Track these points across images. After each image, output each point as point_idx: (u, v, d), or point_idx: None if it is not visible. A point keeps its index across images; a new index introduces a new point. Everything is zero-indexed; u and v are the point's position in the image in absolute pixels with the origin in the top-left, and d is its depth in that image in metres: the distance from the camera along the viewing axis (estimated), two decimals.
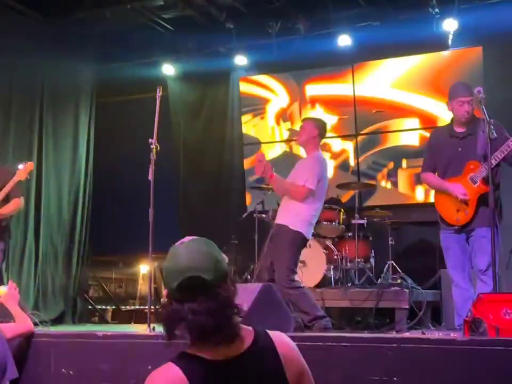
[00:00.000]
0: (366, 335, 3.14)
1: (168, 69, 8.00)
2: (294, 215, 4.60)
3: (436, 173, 4.24)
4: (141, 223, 7.67)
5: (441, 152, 4.17)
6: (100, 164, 7.88)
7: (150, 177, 4.12)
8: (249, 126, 7.91)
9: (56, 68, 7.19)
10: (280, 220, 4.69)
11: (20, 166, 4.57)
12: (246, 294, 2.51)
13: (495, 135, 3.59)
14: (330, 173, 7.10)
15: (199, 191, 7.92)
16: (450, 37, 6.86)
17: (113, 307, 8.36)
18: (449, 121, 4.27)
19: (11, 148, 6.74)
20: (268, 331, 1.67)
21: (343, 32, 7.15)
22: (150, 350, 2.79)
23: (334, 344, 2.56)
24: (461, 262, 4.04)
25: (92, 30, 7.48)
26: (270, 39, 7.38)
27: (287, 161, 7.21)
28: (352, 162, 7.30)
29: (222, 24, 7.34)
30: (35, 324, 3.67)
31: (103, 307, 8.32)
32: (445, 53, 7.02)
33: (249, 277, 6.29)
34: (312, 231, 4.88)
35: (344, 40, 7.17)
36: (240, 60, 7.67)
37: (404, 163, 6.99)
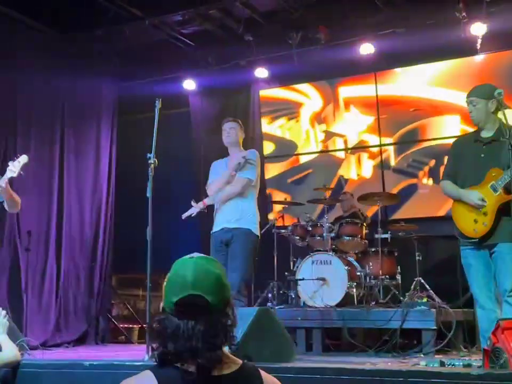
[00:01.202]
0: (368, 367, 2.89)
1: (189, 84, 7.92)
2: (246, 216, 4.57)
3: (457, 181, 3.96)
4: (163, 238, 7.65)
5: (463, 158, 3.90)
6: (122, 181, 7.83)
7: (148, 194, 3.93)
8: (283, 129, 7.83)
9: (76, 85, 7.18)
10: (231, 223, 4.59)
11: (10, 163, 4.18)
12: (241, 319, 2.32)
13: None
14: (368, 172, 6.95)
15: None
16: (479, 41, 6.59)
17: (140, 326, 8.27)
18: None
19: (31, 165, 6.70)
20: (261, 371, 1.58)
21: (366, 40, 6.95)
22: None
23: (334, 377, 2.34)
24: (485, 280, 3.73)
25: (112, 47, 7.47)
26: (290, 50, 7.22)
27: (322, 162, 7.19)
28: (392, 161, 7.11)
29: (241, 37, 7.23)
30: (32, 348, 3.56)
31: (129, 326, 8.23)
32: (477, 58, 6.74)
33: (269, 295, 6.09)
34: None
35: (367, 48, 6.96)
36: (261, 72, 7.53)
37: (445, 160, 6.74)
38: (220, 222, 4.69)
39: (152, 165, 4.00)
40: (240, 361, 1.57)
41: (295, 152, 7.68)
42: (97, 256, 7.29)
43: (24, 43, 6.58)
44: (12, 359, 2.95)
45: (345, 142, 7.40)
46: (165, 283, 1.56)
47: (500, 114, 3.77)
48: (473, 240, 3.73)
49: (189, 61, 7.76)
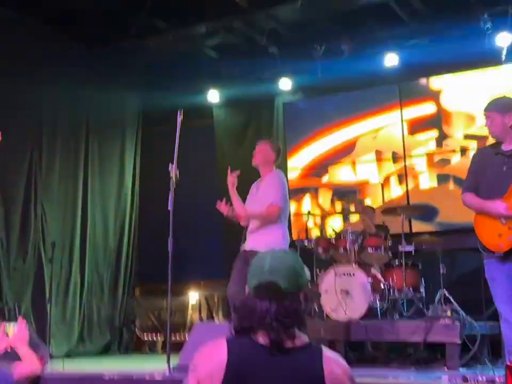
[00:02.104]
0: (391, 381, 2.83)
1: (213, 96, 7.96)
2: (269, 238, 4.58)
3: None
4: (189, 251, 7.66)
5: (485, 171, 3.83)
6: (146, 192, 7.89)
7: (170, 206, 3.94)
8: None
9: (100, 98, 7.29)
10: (253, 244, 4.64)
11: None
12: None
13: None
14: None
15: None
16: (504, 51, 6.50)
17: (163, 337, 8.28)
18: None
19: (57, 178, 6.82)
20: (325, 350, 1.72)
21: (389, 51, 6.92)
22: None
23: None
24: (509, 293, 3.66)
25: (136, 60, 7.56)
26: (314, 62, 7.22)
27: None
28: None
29: (265, 49, 7.26)
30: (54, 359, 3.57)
31: (153, 337, 8.25)
32: (499, 69, 6.64)
33: None
34: None
35: (391, 60, 6.93)
36: (285, 84, 7.53)
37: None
38: (250, 242, 4.77)
39: (174, 177, 4.00)
40: (307, 340, 1.72)
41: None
42: (121, 267, 7.34)
43: (49, 55, 6.71)
44: (32, 372, 2.96)
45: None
46: (249, 271, 1.79)
47: None
48: (497, 254, 3.66)
49: (213, 73, 7.80)
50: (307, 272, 1.60)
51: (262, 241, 4.56)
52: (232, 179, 4.87)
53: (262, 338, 1.68)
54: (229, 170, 4.93)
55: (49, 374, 3.22)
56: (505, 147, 3.79)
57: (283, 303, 1.69)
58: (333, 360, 1.69)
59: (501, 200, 3.65)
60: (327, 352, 1.71)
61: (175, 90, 7.85)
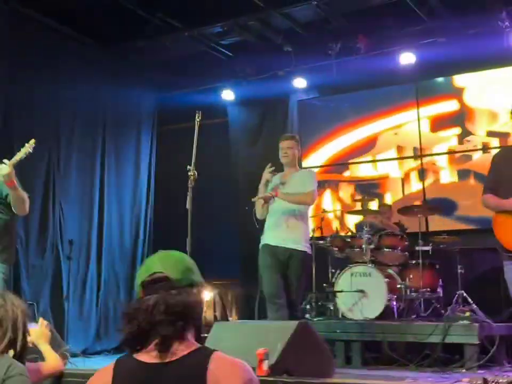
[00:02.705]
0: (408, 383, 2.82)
1: (228, 95, 7.96)
2: (303, 237, 4.64)
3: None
4: (203, 250, 7.67)
5: (506, 172, 3.80)
6: (162, 190, 7.91)
7: (188, 205, 3.94)
8: None
9: (117, 96, 7.31)
10: (290, 243, 4.60)
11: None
12: (280, 333, 2.31)
13: None
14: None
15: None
16: None
17: None
18: None
19: (74, 177, 6.86)
20: (216, 353, 1.55)
21: (406, 49, 6.88)
22: None
23: None
24: None
25: (152, 58, 7.57)
26: (329, 60, 7.20)
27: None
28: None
29: (280, 47, 7.25)
30: (73, 356, 3.60)
31: None
32: None
33: (308, 306, 6.04)
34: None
35: (407, 58, 6.90)
36: (299, 82, 7.52)
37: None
38: (275, 237, 4.69)
39: (192, 177, 4.00)
40: (196, 346, 1.57)
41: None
42: (137, 265, 7.37)
43: (66, 55, 6.74)
44: (56, 369, 2.99)
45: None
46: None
47: None
48: None
49: (228, 71, 7.80)
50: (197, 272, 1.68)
51: (290, 237, 4.58)
52: (267, 175, 4.78)
53: (147, 355, 1.55)
54: (268, 166, 4.85)
55: (71, 370, 3.23)
56: None
57: (173, 295, 1.57)
58: (221, 361, 1.53)
59: None
60: (217, 357, 1.54)
61: (190, 88, 7.87)
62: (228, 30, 7.09)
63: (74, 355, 6.11)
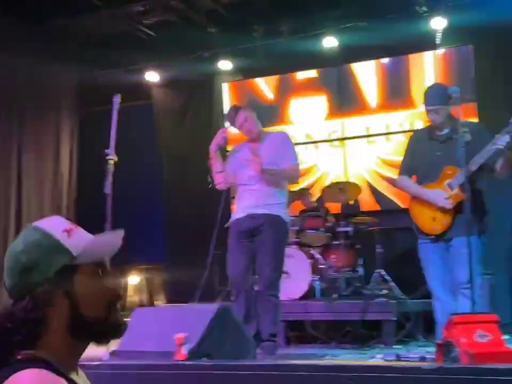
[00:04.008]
0: (324, 362, 2.92)
1: (152, 76, 7.82)
2: (281, 203, 4.10)
3: (413, 178, 4.00)
4: (127, 234, 7.57)
5: (420, 156, 3.94)
6: (84, 174, 7.71)
7: (108, 190, 3.85)
8: None
9: (36, 77, 7.03)
10: (264, 209, 4.04)
11: None
12: (200, 317, 2.32)
13: (470, 138, 3.36)
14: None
15: (184, 201, 7.70)
16: (439, 35, 6.66)
17: None
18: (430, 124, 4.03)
19: None
20: (21, 373, 1.15)
21: (329, 33, 6.97)
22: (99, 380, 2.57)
23: (291, 373, 2.35)
24: (441, 273, 3.80)
25: (72, 38, 7.31)
26: (254, 42, 7.20)
27: None
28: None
29: (204, 28, 7.17)
30: None
31: None
32: (433, 52, 6.80)
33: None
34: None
35: (330, 41, 6.99)
36: (225, 64, 7.48)
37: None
38: (245, 207, 4.14)
39: (112, 161, 3.90)
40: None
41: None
42: None
43: None
44: None
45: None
46: None
47: (453, 111, 3.82)
48: (431, 236, 3.79)
49: (151, 52, 7.64)
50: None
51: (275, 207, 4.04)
52: (220, 139, 4.21)
53: None
54: (222, 130, 4.30)
55: None
56: (438, 131, 3.90)
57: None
58: None
59: (436, 188, 3.76)
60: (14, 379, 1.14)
61: (112, 70, 7.67)
62: (150, 9, 6.95)
63: None
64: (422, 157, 3.91)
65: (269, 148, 4.15)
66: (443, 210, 3.72)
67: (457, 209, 3.67)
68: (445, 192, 3.74)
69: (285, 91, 7.48)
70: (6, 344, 1.21)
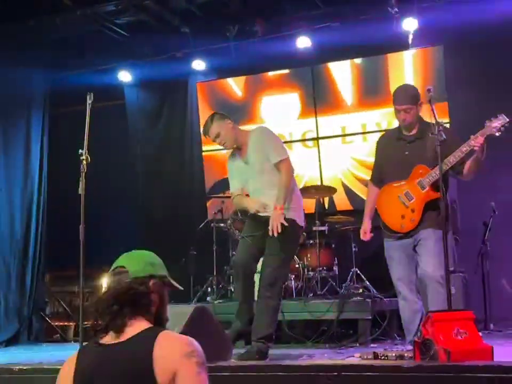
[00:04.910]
0: (304, 362, 2.91)
1: (125, 76, 7.75)
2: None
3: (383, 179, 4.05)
4: (99, 236, 7.47)
5: (388, 156, 3.99)
6: (55, 176, 7.58)
7: (81, 191, 3.80)
8: None
9: (4, 77, 6.89)
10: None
11: None
12: (177, 318, 2.29)
13: (444, 136, 3.41)
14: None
15: (158, 202, 7.67)
16: (411, 36, 6.73)
17: (75, 323, 8.07)
18: (399, 124, 4.07)
19: None
20: (163, 332, 1.73)
21: (302, 33, 6.99)
22: None
23: (270, 374, 2.34)
24: (407, 272, 3.84)
25: (43, 38, 7.19)
26: (227, 43, 7.18)
27: None
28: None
29: (178, 28, 7.13)
30: None
31: (65, 324, 8.02)
32: (406, 53, 6.87)
33: (209, 289, 6.06)
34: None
35: (304, 42, 7.01)
36: (198, 64, 7.45)
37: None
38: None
39: (84, 161, 3.85)
40: (146, 327, 1.75)
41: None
42: (29, 254, 7.05)
43: None
44: None
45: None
46: None
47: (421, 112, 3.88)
48: (398, 234, 3.83)
49: (124, 52, 7.57)
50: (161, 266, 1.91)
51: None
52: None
53: (107, 337, 1.76)
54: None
55: None
56: (405, 132, 3.94)
57: (124, 284, 1.77)
58: (166, 338, 1.70)
59: (406, 186, 3.80)
60: (163, 334, 1.71)
61: (84, 69, 7.58)
62: (122, 9, 6.85)
63: None
64: (390, 157, 3.96)
65: (253, 152, 4.03)
66: (412, 208, 3.76)
67: (427, 207, 3.72)
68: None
69: (255, 88, 7.48)
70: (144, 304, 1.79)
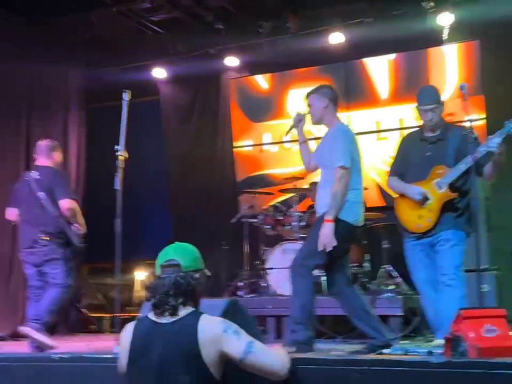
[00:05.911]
0: (333, 356, 2.94)
1: (159, 73, 7.86)
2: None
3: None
4: (135, 230, 7.62)
5: (410, 156, 3.98)
6: (92, 171, 7.75)
7: (118, 186, 3.89)
8: None
9: (42, 74, 7.04)
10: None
11: None
12: (210, 310, 2.34)
13: (477, 134, 3.40)
14: None
15: (191, 197, 7.76)
16: (446, 31, 6.66)
17: (111, 315, 8.25)
18: (422, 125, 4.05)
19: None
20: (204, 314, 2.25)
21: (335, 29, 6.98)
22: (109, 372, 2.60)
23: (298, 366, 2.38)
24: (427, 271, 3.81)
25: (79, 35, 7.34)
26: (260, 39, 7.22)
27: None
28: None
29: (211, 25, 7.20)
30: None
31: (100, 315, 8.20)
32: (447, 47, 6.79)
33: (240, 284, 6.12)
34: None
35: (337, 38, 6.99)
36: (231, 61, 7.51)
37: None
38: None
39: (121, 157, 3.94)
40: (192, 310, 2.27)
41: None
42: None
43: None
44: None
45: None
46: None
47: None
48: (416, 234, 3.82)
49: (158, 48, 7.69)
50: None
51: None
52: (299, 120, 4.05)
53: (160, 316, 2.23)
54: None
55: None
56: (427, 133, 3.93)
57: (181, 277, 2.25)
58: (207, 320, 2.22)
59: (422, 186, 3.79)
60: (205, 316, 2.24)
61: (119, 66, 7.72)
62: (157, 7, 6.97)
63: (1, 338, 6.02)
64: (412, 158, 3.95)
65: (322, 144, 4.04)
66: (429, 208, 3.75)
67: (444, 208, 3.71)
68: (421, 188, 3.76)
69: (282, 82, 7.49)
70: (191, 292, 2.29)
